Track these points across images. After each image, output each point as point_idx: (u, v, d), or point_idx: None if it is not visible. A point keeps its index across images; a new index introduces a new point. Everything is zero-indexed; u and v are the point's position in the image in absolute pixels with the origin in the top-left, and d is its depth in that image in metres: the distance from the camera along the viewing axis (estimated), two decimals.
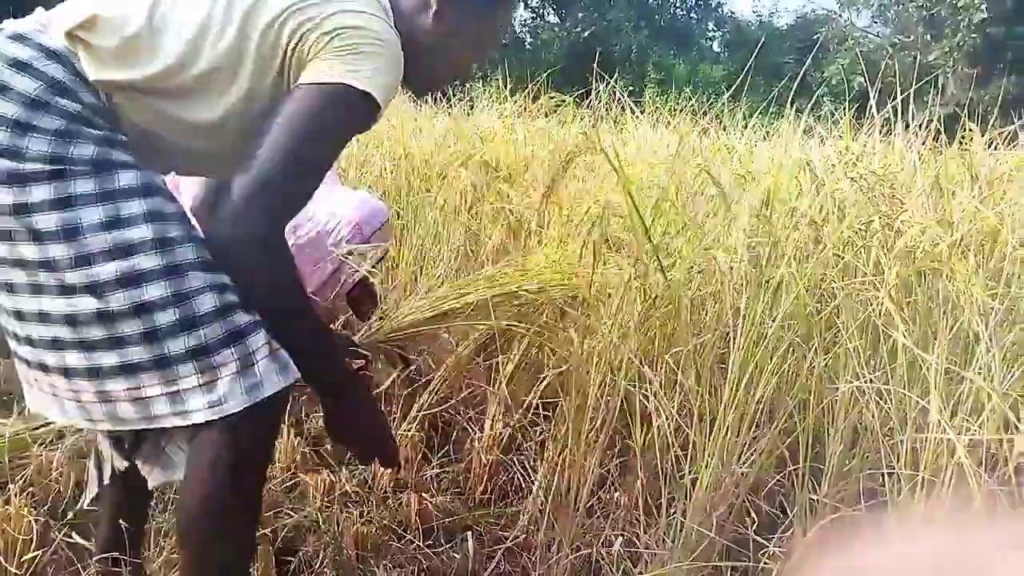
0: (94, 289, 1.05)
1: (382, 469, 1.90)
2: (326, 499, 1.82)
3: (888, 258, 1.40)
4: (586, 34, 17.82)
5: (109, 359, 1.08)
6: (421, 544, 1.70)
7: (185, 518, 1.14)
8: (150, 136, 1.14)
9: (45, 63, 1.07)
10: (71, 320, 1.07)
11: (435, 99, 4.95)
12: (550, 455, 1.69)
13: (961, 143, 2.74)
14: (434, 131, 3.92)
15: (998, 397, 1.28)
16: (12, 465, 1.72)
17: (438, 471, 1.97)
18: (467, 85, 5.32)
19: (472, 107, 4.68)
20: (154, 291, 1.05)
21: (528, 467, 1.88)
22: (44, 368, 1.13)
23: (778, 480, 1.50)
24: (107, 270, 1.04)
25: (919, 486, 1.26)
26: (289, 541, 1.69)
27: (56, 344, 1.10)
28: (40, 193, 1.03)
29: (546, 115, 4.51)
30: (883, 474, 1.34)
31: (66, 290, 1.06)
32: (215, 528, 1.13)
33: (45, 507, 1.64)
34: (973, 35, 15.62)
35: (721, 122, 3.88)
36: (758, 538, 1.41)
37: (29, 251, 1.05)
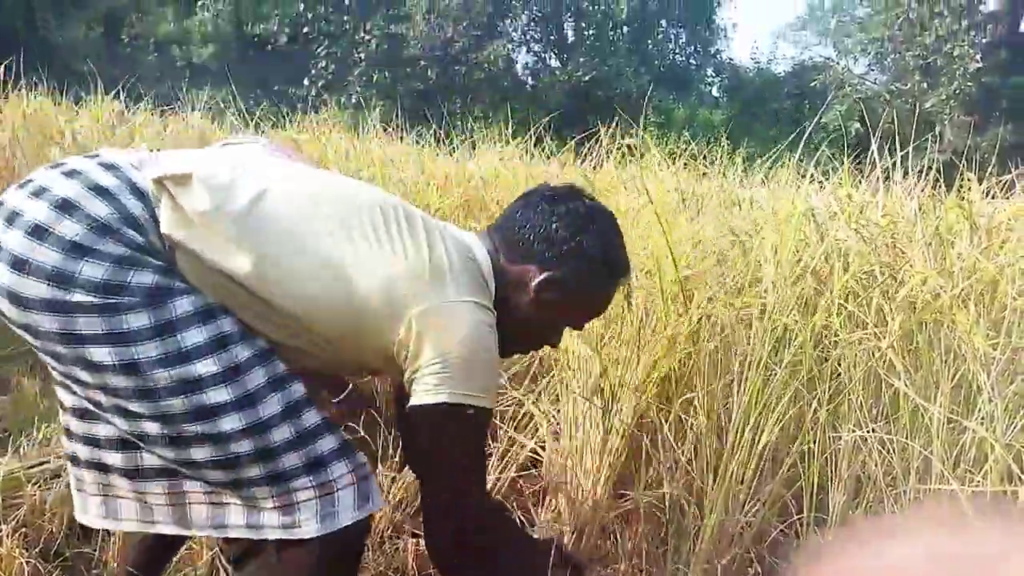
0: (163, 419, 1.01)
1: (378, 514, 1.88)
2: None
3: (890, 307, 1.40)
4: (587, 78, 18.10)
5: (183, 470, 1.06)
6: None
7: None
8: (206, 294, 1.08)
9: (127, 196, 1.02)
10: (140, 436, 1.04)
11: (437, 140, 5.02)
12: (550, 500, 1.67)
13: (959, 191, 2.77)
14: (436, 171, 3.96)
15: (1001, 448, 1.28)
16: (5, 505, 1.70)
17: None
18: (468, 126, 5.39)
19: (474, 148, 4.73)
20: (227, 424, 1.01)
21: (529, 513, 1.86)
22: (101, 468, 1.10)
23: (781, 529, 1.48)
24: (175, 405, 1.00)
25: None
26: None
27: (126, 445, 1.07)
28: (90, 325, 0.97)
29: (547, 157, 4.57)
30: None
31: (128, 414, 1.02)
32: None
33: (37, 548, 1.62)
34: (969, 84, 15.87)
35: (721, 167, 3.92)
36: None
37: (84, 375, 1.01)
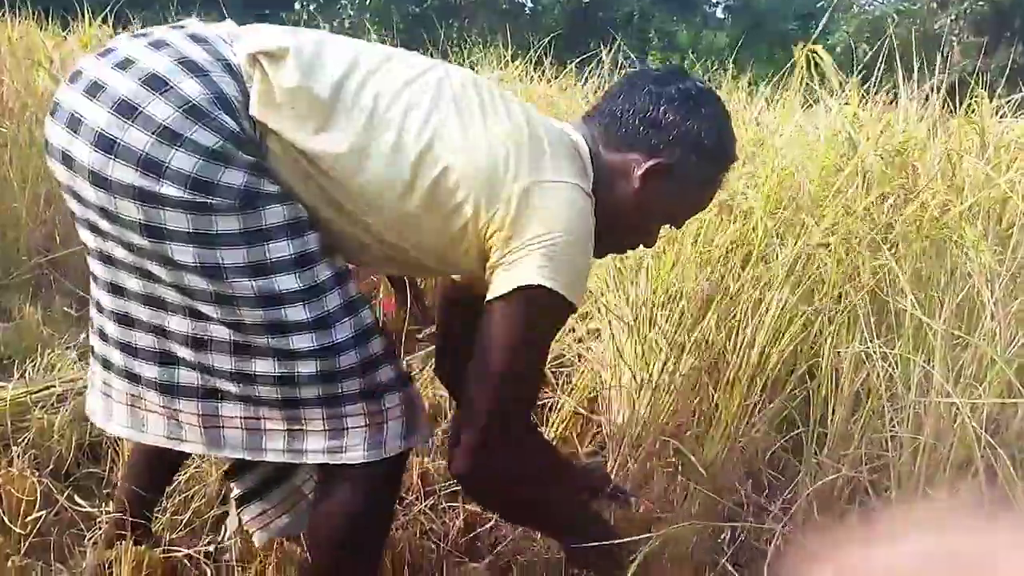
0: (234, 326, 0.99)
1: None
2: None
3: (900, 224, 1.38)
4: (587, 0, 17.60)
5: (229, 386, 1.03)
6: (424, 507, 1.71)
7: (310, 558, 1.16)
8: (292, 193, 1.01)
9: (219, 73, 0.95)
10: (196, 342, 1.01)
11: None
12: (554, 418, 1.69)
13: (967, 111, 2.73)
14: None
15: (1002, 363, 1.28)
16: (14, 428, 1.72)
17: (442, 436, 1.97)
18: (466, 50, 5.25)
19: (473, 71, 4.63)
20: (300, 342, 0.98)
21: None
22: (132, 378, 1.07)
23: (782, 444, 1.50)
24: (253, 315, 0.97)
25: (921, 450, 1.27)
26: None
27: (165, 357, 1.04)
28: (176, 221, 0.92)
29: (548, 81, 4.47)
30: (886, 439, 1.34)
31: (196, 315, 0.99)
32: (329, 569, 1.14)
33: (48, 468, 1.64)
34: (979, 3, 15.43)
35: (727, 89, 3.85)
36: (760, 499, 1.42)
37: (158, 270, 0.98)
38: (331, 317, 1.00)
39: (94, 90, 0.93)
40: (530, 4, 19.95)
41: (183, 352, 1.03)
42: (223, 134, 0.93)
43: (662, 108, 1.07)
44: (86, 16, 5.23)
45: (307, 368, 1.00)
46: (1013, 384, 1.28)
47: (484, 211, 0.99)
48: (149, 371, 1.05)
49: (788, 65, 2.90)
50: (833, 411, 1.41)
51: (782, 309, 1.41)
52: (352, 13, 16.40)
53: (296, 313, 0.98)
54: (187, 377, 1.04)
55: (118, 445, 1.66)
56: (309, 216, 1.01)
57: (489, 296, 1.02)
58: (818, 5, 18.03)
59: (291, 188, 1.00)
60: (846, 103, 2.42)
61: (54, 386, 1.92)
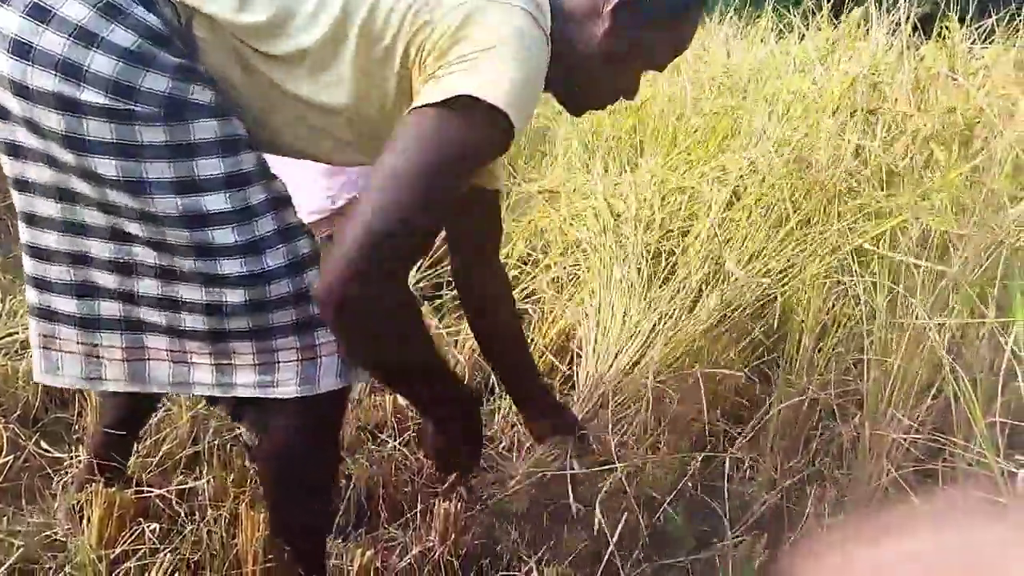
0: (159, 247, 0.93)
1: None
2: None
3: (869, 147, 1.38)
4: None
5: (154, 316, 0.98)
6: (397, 444, 1.71)
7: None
8: (229, 86, 0.95)
9: None
10: (120, 267, 0.96)
11: None
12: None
13: (938, 38, 2.73)
14: None
15: (966, 284, 1.30)
16: None
17: None
18: None
19: None
20: (228, 267, 0.93)
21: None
22: (48, 315, 1.01)
23: (749, 374, 1.52)
24: (177, 235, 0.91)
25: (889, 373, 1.29)
26: None
27: (83, 289, 0.99)
28: (98, 131, 0.87)
29: None
30: (851, 363, 1.36)
31: (122, 236, 0.94)
32: (276, 503, 1.13)
33: (15, 415, 1.62)
34: None
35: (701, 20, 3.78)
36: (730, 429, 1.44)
37: (84, 187, 0.92)
38: (263, 242, 0.95)
39: None
40: None
41: (105, 280, 0.98)
42: (139, 31, 0.87)
43: None
44: None
45: (235, 297, 0.95)
46: (976, 306, 1.30)
47: (418, 37, 0.92)
48: (65, 305, 1.00)
49: None
50: (799, 338, 1.43)
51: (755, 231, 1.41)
52: None
53: (224, 236, 0.92)
54: (109, 309, 1.00)
55: (86, 391, 1.64)
56: (249, 135, 0.95)
57: (411, 106, 0.91)
58: None
59: (225, 76, 0.95)
60: (819, 29, 2.39)
61: (17, 332, 1.88)
